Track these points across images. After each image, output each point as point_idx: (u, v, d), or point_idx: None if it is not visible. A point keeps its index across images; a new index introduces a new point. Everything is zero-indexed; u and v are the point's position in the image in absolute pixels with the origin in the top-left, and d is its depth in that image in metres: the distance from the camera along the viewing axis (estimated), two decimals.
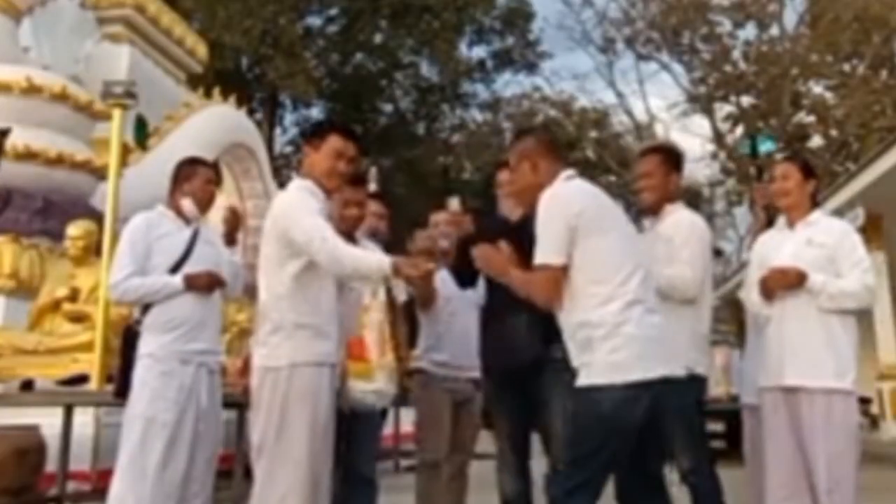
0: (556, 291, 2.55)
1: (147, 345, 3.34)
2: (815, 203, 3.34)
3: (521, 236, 3.51)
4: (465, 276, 3.62)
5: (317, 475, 2.79)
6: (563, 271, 2.51)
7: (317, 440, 2.80)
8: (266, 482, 2.77)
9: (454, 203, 3.59)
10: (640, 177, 3.49)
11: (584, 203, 2.55)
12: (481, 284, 3.65)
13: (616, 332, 2.44)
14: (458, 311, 3.84)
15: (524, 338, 3.32)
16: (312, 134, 3.13)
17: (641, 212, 3.61)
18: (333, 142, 3.02)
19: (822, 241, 3.16)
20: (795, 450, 3.07)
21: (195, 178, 3.56)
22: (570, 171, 2.68)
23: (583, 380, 2.50)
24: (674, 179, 3.43)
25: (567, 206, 2.52)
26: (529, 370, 3.36)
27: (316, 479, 2.79)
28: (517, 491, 3.41)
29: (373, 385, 3.04)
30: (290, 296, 2.84)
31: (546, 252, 2.53)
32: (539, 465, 3.52)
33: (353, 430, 3.36)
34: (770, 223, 3.56)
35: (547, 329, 3.37)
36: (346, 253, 2.81)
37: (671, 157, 3.53)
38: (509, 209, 3.63)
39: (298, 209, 2.87)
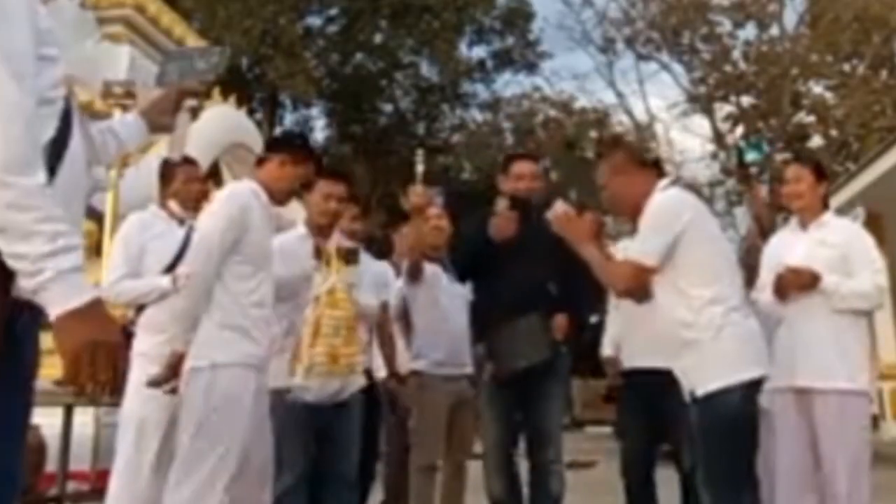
0: (637, 286, 2.69)
1: (141, 344, 3.35)
2: (826, 204, 3.35)
3: (524, 228, 3.53)
4: (466, 266, 3.63)
5: (235, 478, 2.74)
6: (650, 273, 2.64)
7: (238, 442, 2.74)
8: (176, 486, 2.71)
9: (502, 203, 3.57)
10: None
11: (692, 212, 2.68)
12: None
13: (721, 334, 2.58)
14: (450, 307, 3.82)
15: (541, 339, 3.31)
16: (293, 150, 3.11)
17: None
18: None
19: (834, 242, 3.18)
20: (805, 450, 3.07)
21: (174, 179, 3.60)
22: (666, 181, 2.78)
23: (699, 389, 2.62)
24: None
25: (676, 216, 2.63)
26: (538, 371, 3.35)
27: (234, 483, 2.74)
28: (507, 491, 3.41)
29: (292, 380, 3.05)
30: (217, 294, 2.81)
31: (646, 252, 2.63)
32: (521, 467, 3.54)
33: (330, 430, 3.35)
34: (764, 235, 3.58)
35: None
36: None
37: None
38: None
39: (213, 211, 2.91)
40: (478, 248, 3.58)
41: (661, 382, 3.42)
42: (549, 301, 3.41)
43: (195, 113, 2.24)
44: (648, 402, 3.52)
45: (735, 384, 2.55)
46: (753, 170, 4.18)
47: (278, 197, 3.02)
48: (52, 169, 1.50)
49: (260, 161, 3.08)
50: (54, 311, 1.36)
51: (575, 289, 3.58)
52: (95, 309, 1.39)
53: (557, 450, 3.42)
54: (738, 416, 2.57)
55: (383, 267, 4.13)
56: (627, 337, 3.69)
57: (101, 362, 1.37)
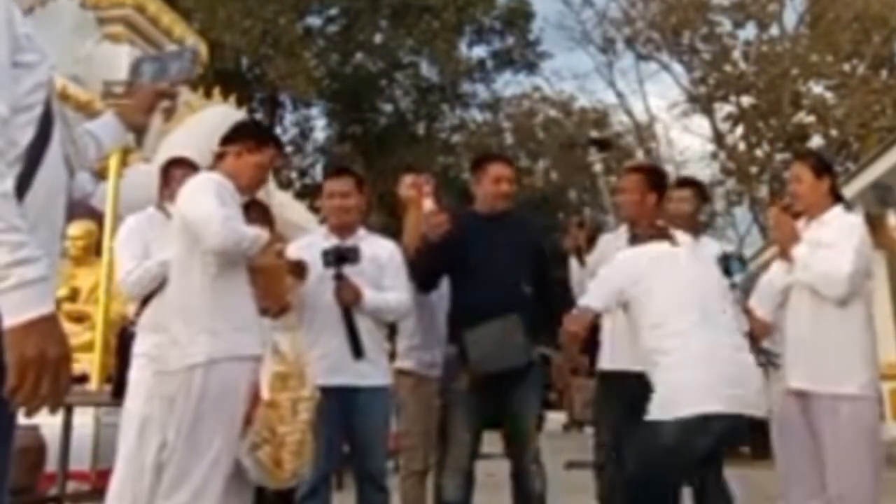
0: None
1: (142, 344, 3.35)
2: (836, 197, 3.29)
3: (496, 228, 3.55)
4: (431, 274, 3.61)
5: (230, 473, 2.74)
6: None
7: (233, 438, 2.74)
8: (176, 481, 2.70)
9: (428, 204, 3.60)
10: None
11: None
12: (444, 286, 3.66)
13: None
14: (440, 307, 3.80)
15: (521, 339, 3.31)
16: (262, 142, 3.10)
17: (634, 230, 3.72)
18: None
19: (829, 241, 3.14)
20: (810, 451, 3.05)
21: (172, 181, 3.57)
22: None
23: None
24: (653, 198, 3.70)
25: None
26: (516, 373, 3.35)
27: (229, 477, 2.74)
28: (462, 496, 3.39)
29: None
30: (205, 291, 2.79)
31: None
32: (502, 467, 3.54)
33: (359, 429, 3.34)
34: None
35: (532, 330, 3.40)
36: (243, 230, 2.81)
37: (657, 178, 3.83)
38: (489, 205, 3.64)
39: (198, 192, 2.85)
40: (433, 260, 3.56)
41: (641, 385, 3.43)
42: (523, 302, 3.42)
43: (169, 114, 2.24)
44: (625, 404, 3.53)
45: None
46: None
47: (245, 187, 2.99)
48: (31, 174, 1.49)
49: (219, 156, 3.05)
50: (9, 320, 1.34)
51: (548, 290, 3.63)
52: (49, 322, 1.37)
53: (535, 451, 3.45)
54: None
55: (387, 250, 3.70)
56: (611, 339, 3.68)
57: (46, 377, 1.35)
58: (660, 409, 2.88)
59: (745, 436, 3.04)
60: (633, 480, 2.96)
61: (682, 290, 3.05)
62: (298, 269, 3.30)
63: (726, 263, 4.09)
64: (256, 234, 2.89)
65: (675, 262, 3.16)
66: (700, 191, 4.02)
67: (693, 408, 2.80)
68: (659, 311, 3.01)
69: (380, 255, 3.53)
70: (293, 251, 3.37)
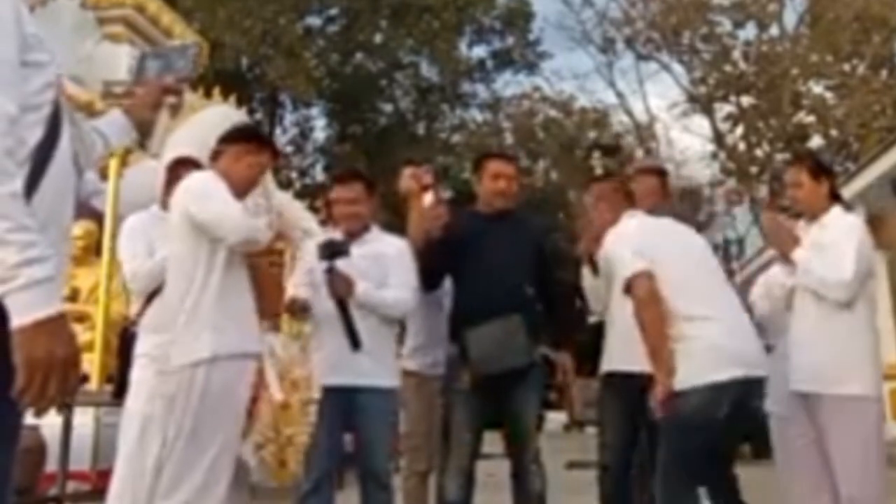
0: None
1: (143, 345, 3.35)
2: (835, 197, 3.29)
3: (498, 228, 3.55)
4: (433, 273, 3.61)
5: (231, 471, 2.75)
6: None
7: (234, 436, 2.75)
8: (176, 480, 2.71)
9: (428, 199, 3.61)
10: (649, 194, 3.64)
11: None
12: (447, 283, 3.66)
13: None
14: (443, 305, 3.79)
15: (523, 340, 3.31)
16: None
17: None
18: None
19: (830, 243, 3.13)
20: (815, 451, 3.05)
21: (178, 180, 3.55)
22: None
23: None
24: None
25: None
26: (517, 373, 3.35)
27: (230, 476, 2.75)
28: (463, 497, 3.39)
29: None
30: (209, 288, 2.80)
31: None
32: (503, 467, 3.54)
33: (361, 428, 3.34)
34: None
35: (533, 330, 3.40)
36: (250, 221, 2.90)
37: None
38: (489, 202, 3.64)
39: (206, 190, 2.88)
40: (435, 257, 3.56)
41: (640, 386, 3.43)
42: (525, 302, 3.42)
43: (175, 110, 2.23)
44: (628, 405, 3.53)
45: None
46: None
47: (238, 188, 2.99)
48: (39, 174, 1.49)
49: (215, 154, 3.06)
50: (18, 319, 1.34)
51: (550, 290, 3.63)
52: (58, 322, 1.36)
53: (535, 451, 3.45)
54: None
55: (396, 247, 3.65)
56: (607, 340, 3.67)
57: (54, 378, 1.34)
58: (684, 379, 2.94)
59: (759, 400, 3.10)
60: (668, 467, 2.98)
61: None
62: (301, 308, 3.33)
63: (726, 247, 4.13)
64: (266, 223, 2.97)
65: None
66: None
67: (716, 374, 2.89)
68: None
69: (387, 252, 3.52)
70: (304, 264, 3.41)
